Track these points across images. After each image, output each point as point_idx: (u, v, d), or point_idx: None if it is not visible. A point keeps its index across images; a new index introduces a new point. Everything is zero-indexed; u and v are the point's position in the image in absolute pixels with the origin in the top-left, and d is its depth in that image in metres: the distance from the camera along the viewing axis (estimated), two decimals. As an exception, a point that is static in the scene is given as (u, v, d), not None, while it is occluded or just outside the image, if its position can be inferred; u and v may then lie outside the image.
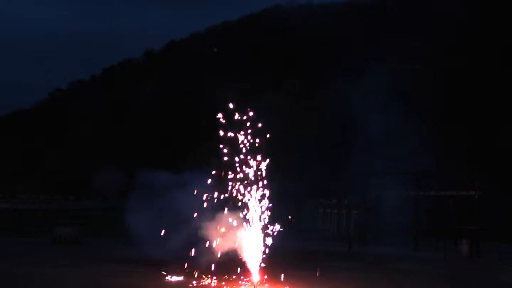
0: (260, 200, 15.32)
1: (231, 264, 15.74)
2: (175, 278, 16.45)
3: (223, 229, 15.18)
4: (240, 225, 15.26)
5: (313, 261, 20.40)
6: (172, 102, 73.17)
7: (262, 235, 15.33)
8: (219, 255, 15.14)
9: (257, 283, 15.50)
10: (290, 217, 17.03)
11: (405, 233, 33.04)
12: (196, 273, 16.32)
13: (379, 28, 66.41)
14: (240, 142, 15.45)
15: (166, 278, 16.35)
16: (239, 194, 15.25)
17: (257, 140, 15.28)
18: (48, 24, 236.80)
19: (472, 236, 24.55)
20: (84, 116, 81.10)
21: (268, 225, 15.32)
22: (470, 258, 23.80)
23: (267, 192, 15.30)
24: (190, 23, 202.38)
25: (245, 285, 15.54)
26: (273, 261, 16.21)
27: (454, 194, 26.57)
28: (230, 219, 15.13)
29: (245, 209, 15.25)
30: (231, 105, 15.40)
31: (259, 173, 15.31)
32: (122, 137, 72.57)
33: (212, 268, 15.26)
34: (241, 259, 15.54)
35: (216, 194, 15.42)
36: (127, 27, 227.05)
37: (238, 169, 15.29)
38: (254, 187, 15.29)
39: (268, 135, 15.51)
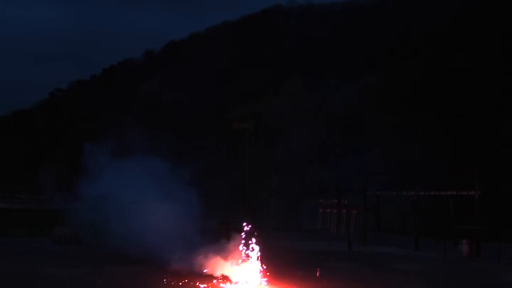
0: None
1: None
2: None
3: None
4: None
5: (313, 261, 20.38)
6: (172, 102, 73.13)
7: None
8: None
9: (257, 283, 15.51)
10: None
11: (405, 233, 33.08)
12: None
13: (380, 28, 66.43)
14: None
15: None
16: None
17: None
18: (48, 24, 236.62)
19: (472, 236, 24.54)
20: (84, 116, 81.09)
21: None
22: (470, 258, 23.80)
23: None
24: (190, 23, 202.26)
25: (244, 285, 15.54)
26: (273, 261, 16.23)
27: (454, 194, 26.56)
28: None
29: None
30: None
31: None
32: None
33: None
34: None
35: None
36: (127, 27, 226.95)
37: None
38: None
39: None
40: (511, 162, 37.38)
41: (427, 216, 32.52)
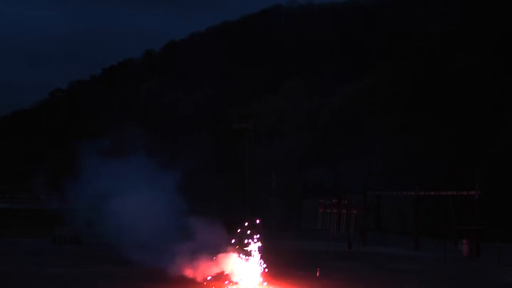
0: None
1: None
2: None
3: None
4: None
5: (313, 261, 20.39)
6: (171, 102, 73.18)
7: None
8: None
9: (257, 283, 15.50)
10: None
11: (405, 233, 33.10)
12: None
13: (379, 27, 66.44)
14: None
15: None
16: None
17: None
18: (48, 24, 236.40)
19: (472, 236, 24.54)
20: (84, 116, 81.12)
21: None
22: (470, 258, 23.80)
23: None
24: (190, 23, 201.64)
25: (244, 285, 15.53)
26: (273, 261, 16.22)
27: (454, 194, 26.56)
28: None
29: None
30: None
31: None
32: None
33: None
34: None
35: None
36: (127, 27, 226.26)
37: None
38: None
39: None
40: (511, 162, 37.38)
41: (427, 216, 32.53)
